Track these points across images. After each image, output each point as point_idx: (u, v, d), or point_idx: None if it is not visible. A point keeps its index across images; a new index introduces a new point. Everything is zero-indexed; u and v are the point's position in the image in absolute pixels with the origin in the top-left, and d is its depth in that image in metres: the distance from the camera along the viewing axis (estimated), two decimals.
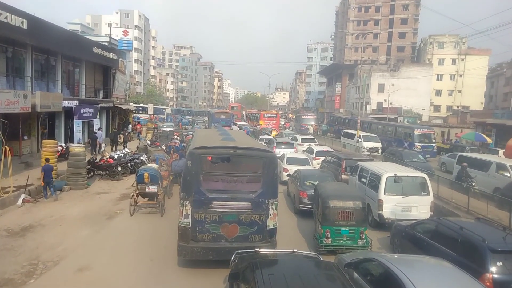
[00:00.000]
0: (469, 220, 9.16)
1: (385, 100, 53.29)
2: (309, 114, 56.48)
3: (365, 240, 9.54)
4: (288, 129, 51.77)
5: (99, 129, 25.37)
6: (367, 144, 28.40)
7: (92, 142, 22.39)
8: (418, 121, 46.49)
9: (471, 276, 5.83)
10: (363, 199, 10.06)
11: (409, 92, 54.92)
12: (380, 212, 11.63)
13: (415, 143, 28.94)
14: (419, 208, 11.57)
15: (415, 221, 9.61)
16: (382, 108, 54.49)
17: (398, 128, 33.89)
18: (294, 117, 72.03)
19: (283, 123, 61.08)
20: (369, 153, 25.55)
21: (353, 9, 75.89)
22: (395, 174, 11.86)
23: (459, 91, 65.21)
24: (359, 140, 29.00)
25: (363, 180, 13.33)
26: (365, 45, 70.26)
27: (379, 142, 29.70)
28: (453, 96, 65.76)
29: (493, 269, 6.60)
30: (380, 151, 27.93)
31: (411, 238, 9.06)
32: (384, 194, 11.66)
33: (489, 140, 32.14)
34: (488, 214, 11.51)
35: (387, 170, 12.38)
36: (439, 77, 64.15)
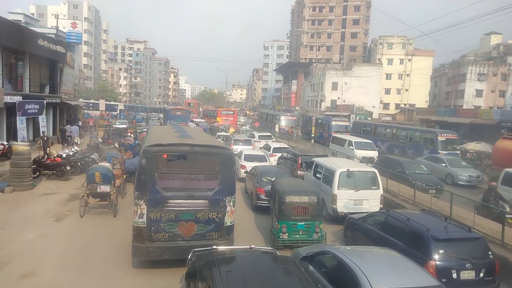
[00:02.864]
0: (415, 212, 9.73)
1: (338, 98, 55.11)
2: (288, 114, 47.44)
3: (320, 234, 9.83)
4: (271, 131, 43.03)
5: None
6: (360, 153, 23.30)
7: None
8: (369, 118, 48.44)
9: (417, 264, 6.20)
10: (318, 194, 10.34)
11: (360, 90, 57.17)
12: (334, 206, 12.03)
13: (439, 151, 24.14)
14: (370, 201, 12.11)
15: (366, 214, 10.05)
16: (335, 106, 56.30)
17: (415, 132, 27.90)
18: (253, 114, 71.16)
19: (251, 122, 56.09)
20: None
21: (308, 8, 77.52)
22: (347, 169, 12.31)
23: (406, 90, 68.93)
24: (351, 148, 24.20)
25: (318, 175, 13.70)
26: (320, 44, 72.05)
27: (375, 150, 24.66)
28: (401, 95, 69.38)
29: (436, 256, 7.07)
30: (375, 160, 22.58)
31: (362, 230, 9.46)
32: (338, 189, 12.07)
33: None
34: (432, 205, 12.30)
35: (340, 165, 12.82)
36: (388, 76, 67.41)
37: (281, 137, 35.12)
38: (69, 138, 26.44)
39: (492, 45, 73.32)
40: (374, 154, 23.77)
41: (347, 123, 37.21)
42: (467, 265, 7.04)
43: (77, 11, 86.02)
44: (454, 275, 6.98)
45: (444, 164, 20.77)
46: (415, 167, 18.22)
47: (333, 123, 35.71)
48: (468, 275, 7.03)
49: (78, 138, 27.53)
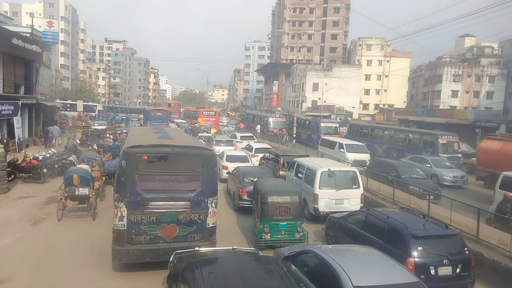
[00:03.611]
0: (394, 210, 9.93)
1: (319, 99, 55.63)
2: (277, 115, 44.22)
3: (302, 233, 9.90)
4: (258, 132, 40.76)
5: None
6: (351, 156, 22.40)
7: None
8: (349, 119, 49.09)
9: (396, 261, 6.33)
10: (300, 194, 10.41)
11: (341, 91, 57.91)
12: (316, 206, 12.14)
13: (440, 154, 23.07)
14: (351, 200, 12.28)
15: (347, 213, 10.19)
16: (316, 106, 56.82)
17: (414, 134, 27.06)
18: (235, 114, 70.50)
19: (235, 123, 53.85)
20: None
21: (288, 9, 78.01)
22: (329, 169, 12.45)
23: (385, 91, 70.31)
24: (342, 150, 23.21)
25: (300, 175, 13.81)
26: (300, 45, 72.64)
27: (367, 152, 23.54)
28: (380, 95, 70.72)
29: (415, 253, 7.24)
30: (368, 163, 21.51)
31: (343, 229, 9.59)
32: (319, 188, 12.19)
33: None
34: (410, 203, 12.57)
35: (321, 165, 12.95)
36: (367, 77, 68.54)
37: (271, 139, 33.21)
38: (52, 138, 26.65)
39: (467, 47, 75.73)
40: (366, 157, 22.86)
41: (337, 125, 35.96)
42: (444, 261, 7.23)
43: (53, 9, 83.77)
44: (432, 271, 7.15)
45: (428, 165, 20.51)
46: (411, 171, 17.13)
47: (322, 124, 34.20)
48: (445, 271, 7.22)
49: (60, 138, 27.73)
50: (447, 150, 23.58)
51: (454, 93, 60.70)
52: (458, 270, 7.29)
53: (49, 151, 18.65)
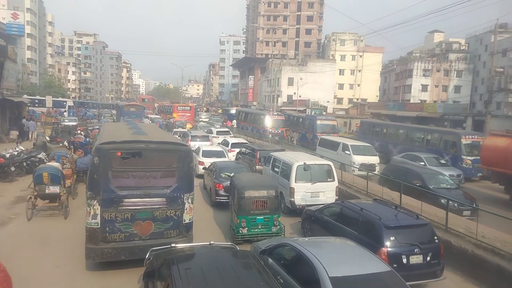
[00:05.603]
0: (368, 202, 10.14)
1: (294, 93, 56.10)
2: (275, 113, 38.16)
3: (278, 227, 9.99)
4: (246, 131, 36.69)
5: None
6: (358, 159, 19.54)
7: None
8: (324, 113, 49.75)
9: (370, 252, 6.50)
10: (276, 188, 10.49)
11: (316, 86, 58.56)
12: (292, 199, 12.27)
13: (463, 156, 20.35)
14: (326, 193, 12.48)
15: (322, 206, 10.35)
16: (292, 101, 57.27)
17: (433, 134, 23.80)
18: (211, 109, 69.18)
19: (222, 120, 48.75)
20: (363, 172, 16.24)
21: (263, 4, 77.93)
22: (304, 163, 12.60)
23: (359, 85, 71.68)
24: (347, 152, 20.32)
25: (276, 169, 13.90)
26: (275, 39, 72.82)
27: (375, 155, 20.78)
28: (353, 90, 72.03)
29: (388, 243, 7.45)
30: (377, 168, 19.39)
31: (319, 222, 9.74)
32: (295, 182, 12.32)
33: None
34: (383, 195, 12.90)
35: (297, 159, 13.09)
36: (341, 72, 69.61)
37: (269, 140, 28.77)
38: (28, 133, 27.33)
39: (436, 43, 78.18)
40: (375, 160, 20.17)
41: (335, 122, 32.67)
42: (415, 250, 7.48)
43: (18, 1, 80.00)
44: (404, 260, 7.39)
45: (423, 163, 19.02)
46: (439, 180, 14.22)
47: (318, 122, 30.95)
48: (416, 259, 7.48)
49: (35, 132, 27.75)
50: (472, 151, 20.40)
51: (424, 88, 62.69)
52: (428, 258, 7.57)
53: (17, 149, 17.91)
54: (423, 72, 62.38)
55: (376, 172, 17.75)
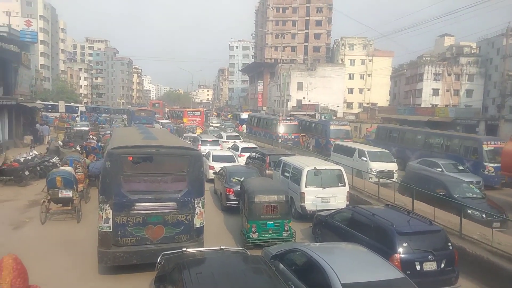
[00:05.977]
0: (380, 207, 10.03)
1: (304, 98, 56.03)
2: (288, 118, 36.38)
3: (289, 232, 9.94)
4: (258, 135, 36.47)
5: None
6: (375, 166, 18.72)
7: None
8: (334, 117, 49.54)
9: (382, 258, 6.42)
10: (287, 193, 10.45)
11: (325, 90, 58.41)
12: (302, 204, 12.21)
13: (485, 163, 19.48)
14: (337, 198, 12.38)
15: (333, 211, 10.27)
16: (301, 106, 57.23)
17: (453, 139, 22.85)
18: (220, 114, 69.09)
19: (233, 125, 48.09)
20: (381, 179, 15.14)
21: (271, 9, 78.22)
22: (314, 168, 12.54)
23: (368, 89, 71.27)
24: (364, 159, 19.47)
25: (286, 174, 13.86)
26: (284, 44, 73.00)
27: (393, 161, 19.85)
28: (363, 94, 71.63)
29: (400, 249, 7.35)
30: (396, 175, 18.73)
31: (330, 227, 9.67)
32: (306, 187, 12.26)
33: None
34: (395, 200, 12.77)
35: (307, 164, 13.04)
36: (351, 76, 69.36)
37: (287, 148, 27.28)
38: (42, 137, 28.64)
39: (446, 46, 77.45)
40: (393, 166, 19.25)
41: (348, 127, 31.75)
42: (429, 256, 7.36)
43: (31, 8, 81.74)
44: (418, 267, 7.28)
45: (440, 169, 18.23)
46: (464, 189, 13.29)
47: (332, 127, 29.93)
48: (430, 266, 7.36)
49: (49, 136, 28.99)
50: (494, 158, 19.28)
51: (435, 92, 62.00)
52: (442, 265, 7.44)
53: (31, 153, 18.21)
54: (434, 76, 61.75)
55: (394, 179, 17.12)
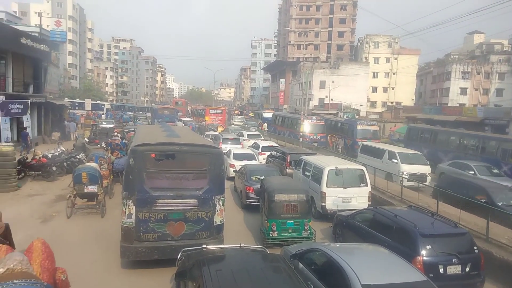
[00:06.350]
0: (402, 208, 9.84)
1: (326, 97, 55.45)
2: (314, 117, 34.66)
3: (309, 232, 9.88)
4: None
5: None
6: (407, 168, 17.60)
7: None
8: (357, 116, 48.78)
9: (405, 260, 6.29)
10: (307, 192, 10.39)
11: (348, 89, 57.58)
12: (323, 204, 12.11)
13: None
14: (358, 198, 12.22)
15: (354, 211, 10.15)
16: (323, 104, 56.66)
17: (489, 141, 21.45)
18: (248, 114, 68.84)
19: (257, 124, 46.70)
20: (415, 183, 15.25)
21: (295, 7, 77.75)
22: (336, 167, 12.40)
23: (393, 88, 69.78)
24: (395, 161, 18.32)
25: (307, 173, 13.78)
26: (307, 42, 72.37)
27: (427, 164, 18.58)
28: (387, 93, 70.21)
29: (423, 252, 7.18)
30: (429, 179, 17.73)
31: (351, 227, 9.55)
32: (327, 187, 12.15)
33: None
34: (419, 202, 12.47)
35: (328, 163, 12.91)
36: (375, 74, 68.08)
37: (314, 149, 25.29)
38: (70, 134, 30.20)
39: (476, 44, 74.87)
40: (426, 169, 18.04)
41: (376, 128, 30.43)
42: (453, 260, 7.17)
43: (61, 9, 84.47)
44: (441, 270, 7.10)
45: (472, 172, 17.39)
46: (508, 196, 12.22)
47: (359, 127, 28.74)
48: (454, 269, 7.16)
49: (76, 133, 30.61)
50: None
51: (463, 91, 60.05)
52: (467, 269, 7.23)
53: (58, 149, 18.84)
54: (462, 75, 59.82)
55: (427, 183, 16.26)
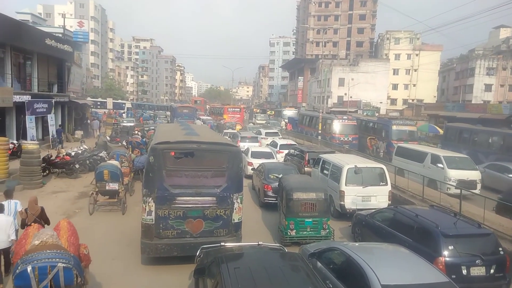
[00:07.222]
0: (424, 208, 9.65)
1: (345, 94, 54.79)
2: (345, 118, 31.26)
3: (327, 230, 9.81)
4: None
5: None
6: (454, 174, 15.75)
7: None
8: (377, 114, 48.01)
9: (426, 260, 6.16)
10: (326, 191, 10.30)
11: (367, 86, 56.77)
12: (342, 203, 11.99)
13: None
14: (378, 197, 12.04)
15: (374, 210, 10.01)
16: (342, 102, 56.04)
17: None
18: (266, 111, 68.77)
19: (284, 124, 44.74)
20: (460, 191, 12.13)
21: (313, 4, 77.04)
22: (355, 166, 12.25)
23: (414, 85, 68.30)
24: (440, 166, 16.36)
25: (325, 172, 13.67)
26: (326, 40, 71.62)
27: (475, 169, 16.39)
28: (408, 90, 68.78)
29: (446, 252, 7.02)
30: (479, 186, 15.70)
31: (370, 227, 9.42)
32: (345, 185, 12.02)
33: (441, 131, 31.54)
34: (441, 201, 12.19)
35: (347, 162, 12.76)
36: (395, 71, 66.79)
37: (340, 150, 22.80)
38: (93, 131, 31.62)
39: (502, 39, 72.27)
40: (475, 175, 15.89)
41: (414, 128, 27.87)
42: (477, 261, 6.98)
43: (83, 10, 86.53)
44: (464, 272, 6.92)
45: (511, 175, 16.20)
46: None
47: (394, 127, 26.16)
48: (478, 271, 6.97)
49: (99, 130, 31.67)
50: None
51: (488, 87, 58.28)
52: (492, 270, 7.02)
53: (81, 147, 19.32)
54: (487, 71, 58.03)
55: (476, 191, 14.45)
